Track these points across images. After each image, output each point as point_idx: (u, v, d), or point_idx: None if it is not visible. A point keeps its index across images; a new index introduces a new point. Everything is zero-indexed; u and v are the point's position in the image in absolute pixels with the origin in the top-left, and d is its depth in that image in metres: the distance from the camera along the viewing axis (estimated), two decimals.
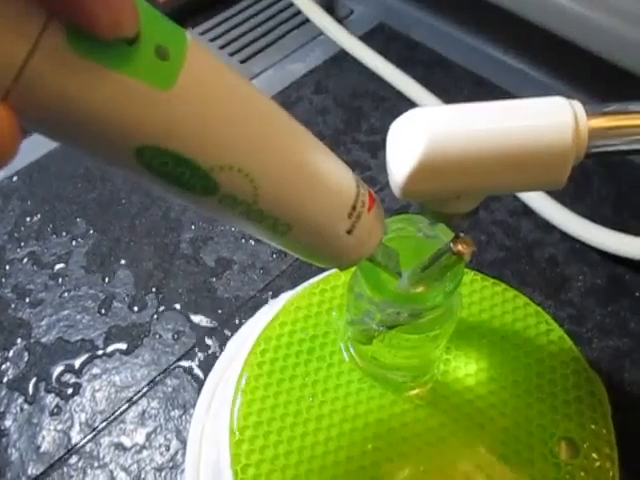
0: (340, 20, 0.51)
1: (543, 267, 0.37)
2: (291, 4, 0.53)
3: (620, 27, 0.36)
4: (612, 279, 0.36)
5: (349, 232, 0.17)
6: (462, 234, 0.17)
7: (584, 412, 0.25)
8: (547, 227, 0.38)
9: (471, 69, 0.47)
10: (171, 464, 0.30)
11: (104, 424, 0.32)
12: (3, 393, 0.33)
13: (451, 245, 0.17)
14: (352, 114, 0.45)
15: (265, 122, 0.15)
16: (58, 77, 0.11)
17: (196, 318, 0.35)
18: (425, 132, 0.15)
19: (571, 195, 0.40)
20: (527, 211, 0.39)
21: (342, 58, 0.49)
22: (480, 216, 0.39)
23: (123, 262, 0.38)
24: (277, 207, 0.15)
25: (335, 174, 0.16)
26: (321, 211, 0.16)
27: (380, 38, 0.51)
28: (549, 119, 0.15)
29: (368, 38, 0.49)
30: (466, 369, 0.26)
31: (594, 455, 0.24)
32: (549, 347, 0.27)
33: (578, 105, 0.15)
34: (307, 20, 0.51)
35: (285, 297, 0.30)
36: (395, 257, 0.20)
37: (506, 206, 0.40)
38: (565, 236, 0.38)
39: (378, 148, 0.42)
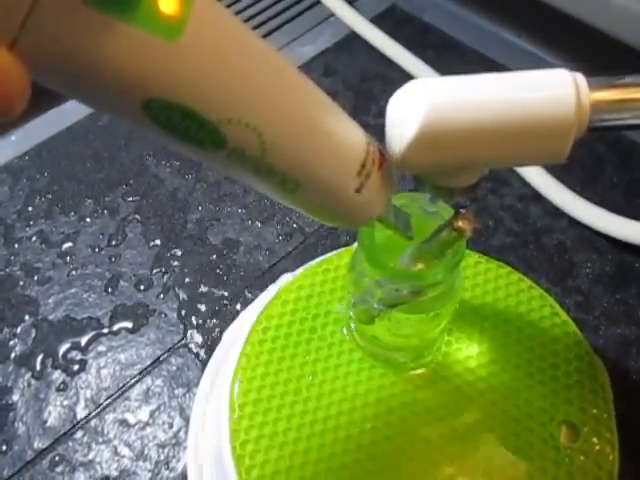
0: (351, 2, 0.50)
1: (551, 253, 0.37)
2: None
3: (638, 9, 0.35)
4: (621, 267, 0.36)
5: (358, 191, 0.16)
6: (463, 210, 0.17)
7: (585, 396, 0.25)
8: (556, 213, 0.38)
9: (483, 52, 0.47)
10: (174, 441, 0.31)
11: (109, 401, 0.32)
12: (11, 369, 0.33)
13: (452, 221, 0.17)
14: (361, 97, 0.44)
15: (273, 76, 0.14)
16: (63, 25, 0.11)
17: (201, 298, 0.36)
18: (425, 102, 0.15)
19: (582, 181, 0.39)
20: (536, 196, 0.39)
21: (352, 40, 0.48)
22: (488, 201, 0.39)
23: (130, 242, 0.38)
24: (285, 162, 0.15)
25: (344, 131, 0.16)
26: (329, 167, 0.16)
27: (391, 20, 0.50)
28: (551, 90, 0.15)
29: (379, 20, 0.49)
30: (468, 351, 0.26)
31: (594, 439, 0.24)
32: (552, 331, 0.27)
33: (581, 77, 0.15)
34: (318, 2, 0.51)
35: (287, 277, 0.30)
36: (407, 220, 0.19)
37: (515, 191, 0.39)
38: (574, 222, 0.37)
39: None
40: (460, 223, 0.17)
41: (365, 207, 0.17)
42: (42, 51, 0.11)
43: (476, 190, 0.17)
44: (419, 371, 0.26)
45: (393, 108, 0.16)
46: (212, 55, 0.13)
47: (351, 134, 0.17)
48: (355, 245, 0.32)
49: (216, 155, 0.14)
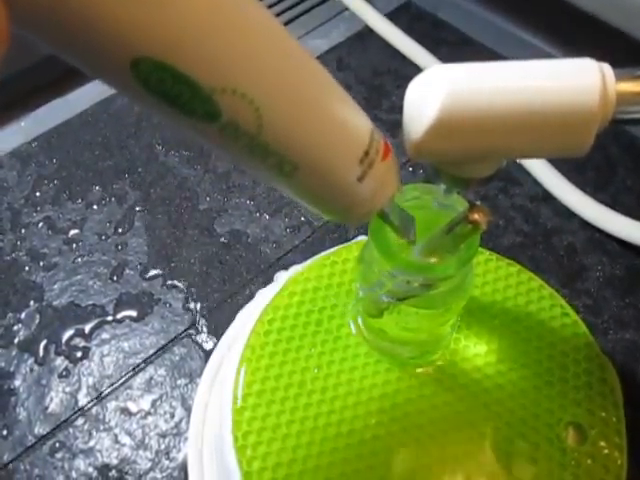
0: None
1: (561, 255, 0.36)
2: None
3: None
4: (631, 270, 0.35)
5: (360, 180, 0.15)
6: (478, 202, 0.17)
7: (594, 399, 0.25)
8: (567, 214, 0.38)
9: (497, 50, 0.46)
10: (175, 431, 0.30)
11: (111, 389, 0.32)
12: (14, 353, 0.33)
13: (467, 213, 0.17)
14: (373, 92, 0.44)
15: (275, 46, 0.13)
16: None
17: (206, 289, 0.35)
18: (444, 87, 0.15)
19: (594, 183, 0.39)
20: (548, 197, 0.38)
21: (366, 35, 0.48)
22: (499, 200, 0.39)
23: (137, 230, 0.38)
24: (282, 141, 0.14)
25: (348, 113, 0.15)
26: (330, 151, 0.15)
27: (406, 16, 0.50)
28: (575, 79, 0.14)
29: (394, 16, 0.49)
30: (475, 349, 0.26)
31: (602, 443, 0.24)
32: (562, 331, 0.26)
33: (607, 67, 0.15)
34: None
35: (295, 270, 0.29)
36: (411, 223, 0.19)
37: (526, 191, 0.39)
38: (585, 224, 0.37)
39: (398, 127, 0.41)
40: (476, 215, 0.17)
41: (366, 199, 0.16)
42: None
43: (492, 181, 0.17)
44: (425, 367, 0.25)
45: (412, 93, 0.16)
46: (210, 15, 0.12)
47: (355, 118, 0.16)
48: (363, 238, 0.32)
49: (209, 128, 0.13)
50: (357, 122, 0.16)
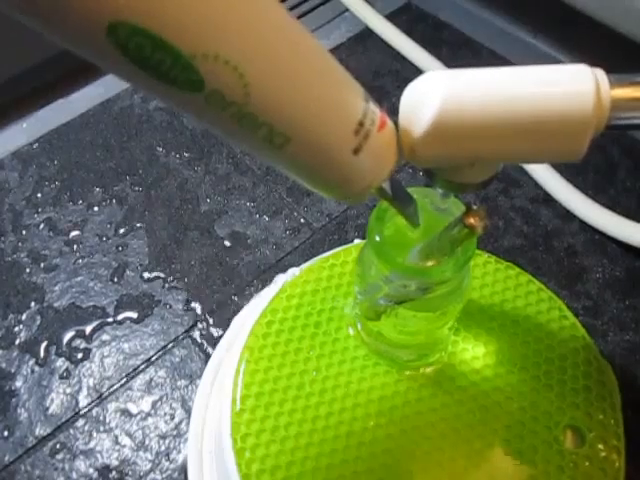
0: None
1: (561, 256, 0.36)
2: None
3: None
4: (632, 272, 0.35)
5: (356, 152, 0.15)
6: (475, 206, 0.17)
7: (592, 401, 0.25)
8: (567, 216, 0.38)
9: (498, 51, 0.46)
10: (175, 432, 0.30)
11: (111, 390, 0.32)
12: (15, 354, 0.33)
13: (463, 217, 0.17)
14: (374, 93, 0.44)
15: (259, 10, 0.13)
16: None
17: (206, 290, 0.35)
18: (440, 93, 0.15)
19: (595, 185, 0.39)
20: (548, 199, 0.38)
21: (367, 36, 0.48)
22: (499, 201, 0.39)
23: (137, 232, 0.38)
24: (271, 110, 0.13)
25: (338, 81, 0.15)
26: (322, 120, 0.14)
27: (406, 18, 0.50)
28: (570, 85, 0.14)
29: (394, 17, 0.49)
30: (474, 351, 0.26)
31: (600, 445, 0.24)
32: (561, 334, 0.26)
33: (601, 73, 0.15)
34: None
35: (294, 272, 0.29)
36: (412, 203, 0.18)
37: (527, 193, 0.39)
38: (585, 226, 0.37)
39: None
40: (471, 220, 0.16)
41: (364, 173, 0.16)
42: None
43: (488, 186, 0.17)
44: (424, 370, 0.25)
45: (408, 98, 0.16)
46: None
47: (347, 86, 0.15)
48: (362, 241, 0.32)
49: (194, 100, 0.13)
50: (349, 90, 0.15)
